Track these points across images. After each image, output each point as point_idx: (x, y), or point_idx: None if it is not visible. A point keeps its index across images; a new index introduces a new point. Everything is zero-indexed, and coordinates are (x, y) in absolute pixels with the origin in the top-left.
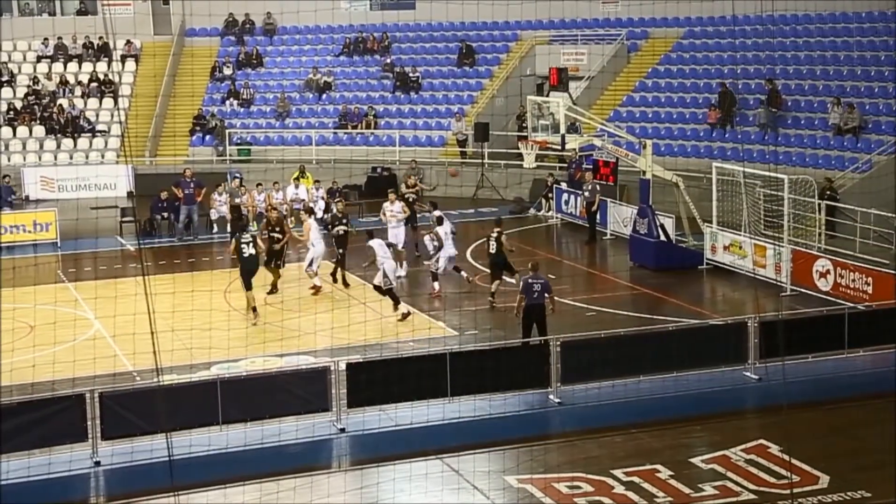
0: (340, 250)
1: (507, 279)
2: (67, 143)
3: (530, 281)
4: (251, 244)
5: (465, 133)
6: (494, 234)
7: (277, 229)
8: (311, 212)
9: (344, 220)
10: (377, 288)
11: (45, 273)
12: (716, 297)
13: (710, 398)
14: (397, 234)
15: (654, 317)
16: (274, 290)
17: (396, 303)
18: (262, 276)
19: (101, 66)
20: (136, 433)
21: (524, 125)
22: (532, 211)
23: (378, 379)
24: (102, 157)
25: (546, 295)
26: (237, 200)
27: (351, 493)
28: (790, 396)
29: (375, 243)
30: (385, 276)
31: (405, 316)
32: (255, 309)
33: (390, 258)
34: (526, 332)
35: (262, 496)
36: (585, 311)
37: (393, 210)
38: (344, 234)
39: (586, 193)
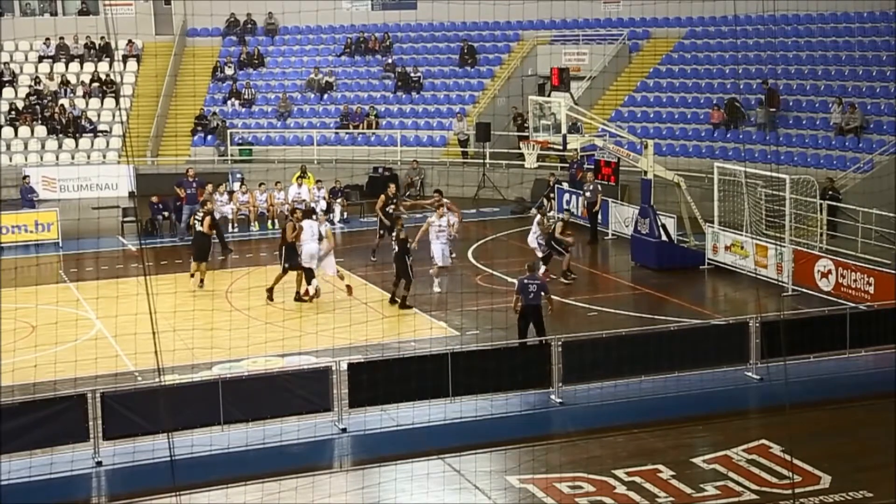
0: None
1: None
2: (69, 143)
3: (526, 281)
4: (200, 223)
5: (467, 133)
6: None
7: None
8: (312, 212)
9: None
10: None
11: (46, 273)
12: (717, 297)
13: (712, 398)
14: (443, 249)
15: (656, 317)
16: (301, 298)
17: (308, 282)
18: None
19: (103, 66)
20: (137, 433)
21: (525, 125)
22: (533, 211)
23: (379, 379)
24: (104, 157)
25: (543, 295)
26: (210, 207)
27: (352, 494)
28: (792, 396)
29: (307, 224)
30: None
31: (311, 297)
32: (202, 281)
33: (312, 242)
34: (522, 333)
35: (264, 496)
36: (587, 311)
37: (441, 225)
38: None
39: (587, 193)
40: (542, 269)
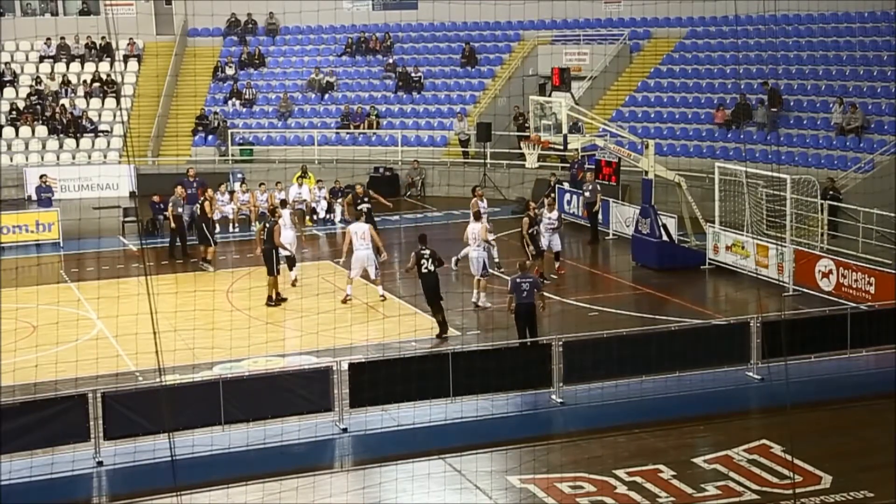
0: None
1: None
2: (70, 143)
3: (518, 280)
4: (201, 206)
5: (468, 133)
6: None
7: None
8: (284, 202)
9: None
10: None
11: (47, 273)
12: (718, 297)
13: (713, 398)
14: (477, 258)
15: (657, 317)
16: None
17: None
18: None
19: (104, 66)
20: (138, 433)
21: (525, 125)
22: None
23: (380, 379)
24: (105, 157)
25: (536, 293)
26: (179, 210)
27: (353, 494)
28: (793, 396)
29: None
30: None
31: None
32: (208, 260)
33: (288, 230)
34: (522, 333)
35: (265, 496)
36: (588, 311)
37: (475, 232)
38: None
39: (587, 194)
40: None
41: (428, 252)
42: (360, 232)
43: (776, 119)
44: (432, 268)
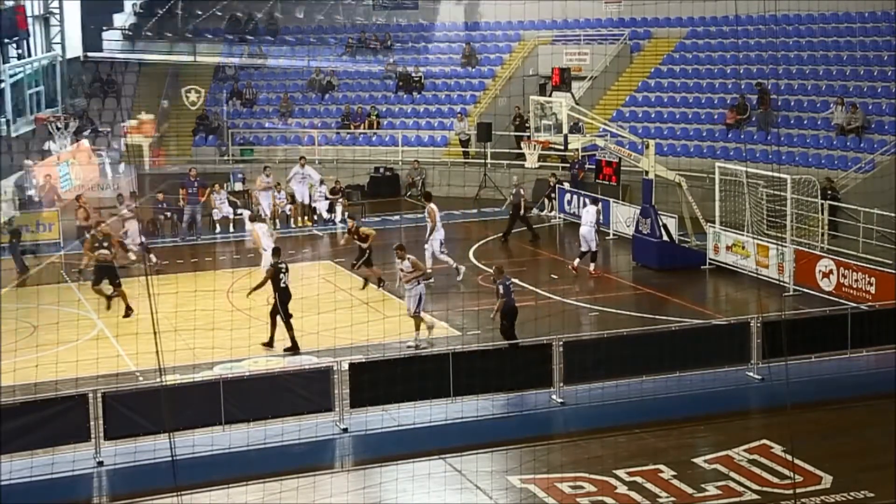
0: None
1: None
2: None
3: (508, 283)
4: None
5: (468, 133)
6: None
7: (105, 244)
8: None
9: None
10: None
11: (47, 273)
12: (719, 298)
13: (713, 398)
14: (413, 293)
15: (657, 317)
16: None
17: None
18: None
19: (104, 66)
20: (139, 433)
21: (526, 125)
22: (535, 211)
23: (381, 379)
24: (105, 157)
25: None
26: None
27: (354, 494)
28: (793, 397)
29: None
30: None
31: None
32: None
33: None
34: (507, 333)
35: (265, 496)
36: (588, 311)
37: (403, 268)
38: None
39: (512, 197)
40: (592, 266)
41: (284, 266)
42: (269, 231)
43: (770, 119)
44: (288, 283)
